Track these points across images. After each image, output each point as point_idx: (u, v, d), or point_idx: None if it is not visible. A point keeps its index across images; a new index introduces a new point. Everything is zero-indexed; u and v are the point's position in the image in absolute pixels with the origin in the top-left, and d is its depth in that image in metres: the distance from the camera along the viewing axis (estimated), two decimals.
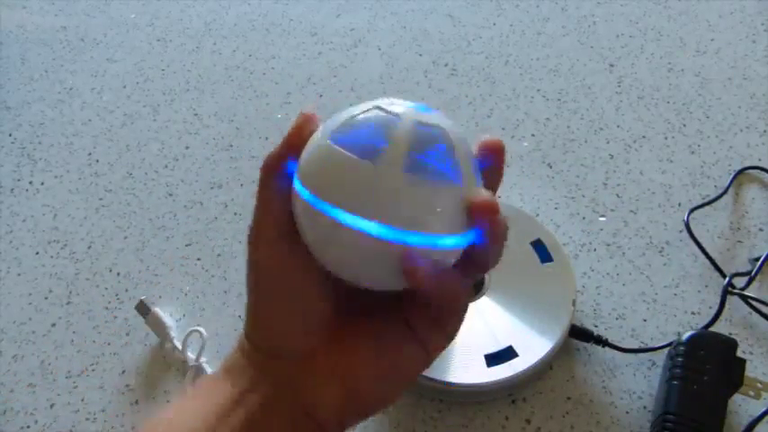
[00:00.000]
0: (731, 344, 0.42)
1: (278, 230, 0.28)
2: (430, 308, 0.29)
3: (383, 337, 0.29)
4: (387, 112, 0.25)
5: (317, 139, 0.26)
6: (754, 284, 0.48)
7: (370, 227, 0.24)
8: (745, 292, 0.47)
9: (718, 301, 0.46)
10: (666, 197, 0.55)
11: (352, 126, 0.25)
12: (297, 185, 0.26)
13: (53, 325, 0.50)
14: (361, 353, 0.29)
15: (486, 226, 0.25)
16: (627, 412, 0.43)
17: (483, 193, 0.25)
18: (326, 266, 0.27)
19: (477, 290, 0.46)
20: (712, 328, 0.45)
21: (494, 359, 0.42)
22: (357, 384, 0.28)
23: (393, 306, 0.29)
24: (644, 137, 0.60)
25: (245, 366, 0.29)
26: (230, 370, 0.30)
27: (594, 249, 0.52)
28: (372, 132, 0.25)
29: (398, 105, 0.26)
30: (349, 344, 0.29)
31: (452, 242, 0.25)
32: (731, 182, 0.55)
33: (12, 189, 0.59)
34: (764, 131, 0.60)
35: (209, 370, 0.45)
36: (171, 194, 0.58)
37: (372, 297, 0.29)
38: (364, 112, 0.26)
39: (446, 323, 0.29)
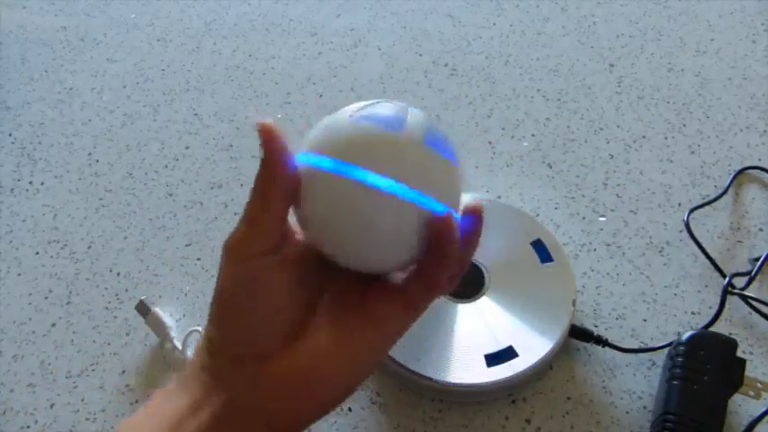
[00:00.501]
0: (731, 344, 0.42)
1: (268, 245, 0.28)
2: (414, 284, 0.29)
3: (342, 327, 0.29)
4: (393, 103, 0.28)
5: (329, 124, 0.28)
6: (754, 284, 0.48)
7: (395, 187, 0.26)
8: (745, 292, 0.47)
9: (718, 301, 0.46)
10: (666, 197, 0.55)
11: (371, 110, 0.28)
12: (310, 159, 0.28)
13: (53, 325, 0.50)
14: (321, 346, 0.29)
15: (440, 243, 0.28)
16: (627, 412, 0.43)
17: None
18: (328, 247, 0.29)
19: (477, 290, 0.46)
20: (712, 328, 0.45)
21: (494, 359, 0.42)
22: (318, 381, 0.28)
23: (352, 296, 0.30)
24: (644, 137, 0.60)
25: (198, 375, 0.29)
26: (184, 380, 0.30)
27: (594, 249, 0.52)
28: (392, 112, 0.28)
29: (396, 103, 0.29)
30: (309, 339, 0.29)
31: (458, 217, 0.28)
32: (731, 182, 0.55)
33: (12, 189, 0.59)
34: (764, 131, 0.60)
35: None
36: (171, 194, 0.58)
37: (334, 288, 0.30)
38: (370, 104, 0.28)
39: (421, 302, 0.30)
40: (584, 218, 0.54)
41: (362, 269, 0.29)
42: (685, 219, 0.52)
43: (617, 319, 0.48)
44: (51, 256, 0.54)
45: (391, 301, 0.30)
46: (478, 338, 0.44)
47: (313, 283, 0.30)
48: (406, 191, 0.26)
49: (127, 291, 0.51)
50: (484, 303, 0.45)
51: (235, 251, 0.28)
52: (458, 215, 0.28)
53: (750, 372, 0.42)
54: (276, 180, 0.28)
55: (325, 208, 0.27)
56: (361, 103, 0.29)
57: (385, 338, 0.30)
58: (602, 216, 0.54)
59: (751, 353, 0.45)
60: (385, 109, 0.28)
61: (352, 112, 0.28)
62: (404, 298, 0.30)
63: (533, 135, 0.60)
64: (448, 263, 0.28)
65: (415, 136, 0.27)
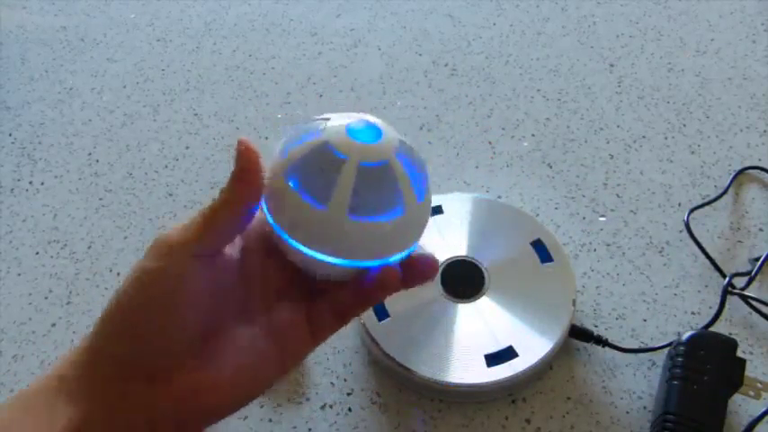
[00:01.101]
0: (731, 344, 0.42)
1: (213, 248, 0.28)
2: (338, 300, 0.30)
3: (244, 339, 0.29)
4: (334, 150, 0.28)
5: (277, 173, 0.29)
6: (754, 284, 0.48)
7: (328, 259, 0.29)
8: (745, 292, 0.47)
9: (718, 301, 0.46)
10: (666, 197, 0.55)
11: (306, 167, 0.28)
12: (266, 211, 0.30)
13: (53, 325, 0.50)
14: (222, 360, 0.28)
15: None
16: (627, 412, 0.43)
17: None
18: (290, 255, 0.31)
19: (477, 290, 0.46)
20: (712, 328, 0.45)
21: (494, 359, 0.43)
22: (212, 397, 0.27)
23: (254, 306, 0.30)
24: (644, 137, 0.60)
25: (46, 392, 0.27)
26: (25, 403, 0.27)
27: (594, 249, 0.52)
28: (323, 177, 0.28)
29: (345, 139, 0.28)
30: (210, 353, 0.28)
31: (398, 257, 0.30)
32: (731, 182, 0.55)
33: (12, 189, 0.59)
34: (764, 131, 0.60)
35: None
36: (171, 194, 0.58)
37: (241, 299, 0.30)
38: (315, 145, 0.28)
39: (348, 318, 0.31)
40: (584, 218, 0.54)
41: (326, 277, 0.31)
42: (685, 219, 0.52)
43: (617, 319, 0.48)
44: (51, 256, 0.54)
45: (327, 312, 0.31)
46: (478, 338, 0.44)
47: (230, 287, 0.30)
48: (336, 260, 0.29)
49: None
50: (484, 303, 0.45)
51: (174, 247, 0.27)
52: (399, 253, 0.30)
53: (750, 372, 0.42)
54: (249, 190, 0.28)
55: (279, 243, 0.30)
56: (302, 140, 0.29)
57: (285, 367, 0.30)
58: (602, 216, 0.54)
59: (751, 353, 0.45)
60: (319, 170, 0.28)
61: (290, 167, 0.29)
62: (339, 308, 0.31)
63: (533, 135, 0.60)
64: (385, 294, 0.30)
65: (340, 208, 0.28)
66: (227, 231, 0.29)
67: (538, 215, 0.54)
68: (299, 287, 0.31)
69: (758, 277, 0.49)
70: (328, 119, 0.29)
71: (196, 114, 0.65)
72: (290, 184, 0.28)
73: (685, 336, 0.42)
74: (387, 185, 0.28)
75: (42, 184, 0.60)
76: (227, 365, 0.28)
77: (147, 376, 0.27)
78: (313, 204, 0.28)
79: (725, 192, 0.54)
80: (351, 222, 0.28)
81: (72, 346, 0.48)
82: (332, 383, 0.45)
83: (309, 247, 0.29)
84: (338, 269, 0.30)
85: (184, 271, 0.27)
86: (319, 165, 0.28)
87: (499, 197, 0.56)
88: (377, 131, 0.29)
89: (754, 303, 0.46)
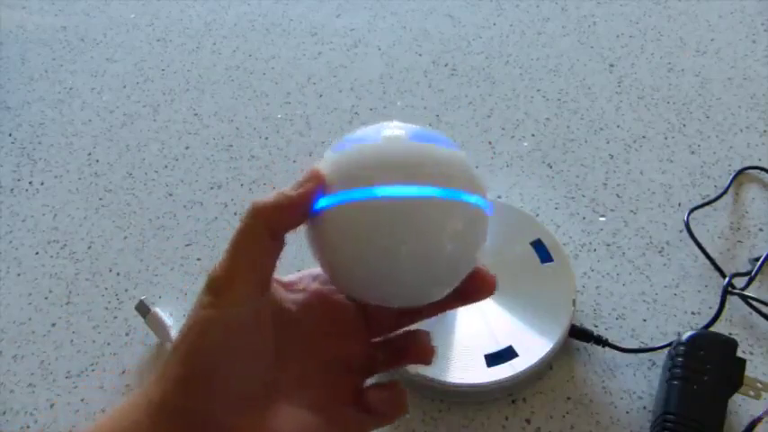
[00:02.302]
0: (731, 344, 0.42)
1: (260, 287, 0.26)
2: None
3: (323, 412, 0.27)
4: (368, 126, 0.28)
5: (329, 167, 0.27)
6: (754, 284, 0.48)
7: (407, 190, 0.25)
8: (745, 292, 0.47)
9: (718, 301, 0.46)
10: (666, 197, 0.55)
11: (347, 138, 0.28)
12: (322, 204, 0.26)
13: (53, 325, 0.50)
14: (280, 422, 0.26)
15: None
16: (627, 412, 0.43)
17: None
18: (358, 286, 0.27)
19: None
20: (712, 328, 0.45)
21: (494, 359, 0.42)
22: None
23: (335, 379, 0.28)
24: (644, 137, 0.60)
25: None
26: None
27: (594, 249, 0.52)
28: (371, 133, 0.27)
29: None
30: (279, 415, 0.26)
31: (475, 200, 0.26)
32: (731, 182, 0.55)
33: (12, 189, 0.59)
34: (764, 131, 0.60)
35: None
36: (171, 194, 0.58)
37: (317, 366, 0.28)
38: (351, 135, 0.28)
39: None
40: (584, 218, 0.54)
41: (398, 301, 0.28)
42: (685, 219, 0.52)
43: (617, 319, 0.48)
44: (51, 256, 0.54)
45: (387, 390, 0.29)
46: (478, 338, 0.43)
47: (292, 348, 0.28)
48: (413, 190, 0.25)
49: (127, 291, 0.51)
50: (484, 303, 0.45)
51: (215, 288, 0.25)
52: (474, 194, 0.26)
53: (750, 372, 0.42)
54: (292, 217, 0.26)
55: (348, 248, 0.26)
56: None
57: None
58: (602, 216, 0.54)
59: (751, 353, 0.45)
60: (364, 134, 0.27)
61: (333, 149, 0.28)
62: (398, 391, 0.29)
63: (533, 135, 0.60)
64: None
65: (399, 136, 0.27)
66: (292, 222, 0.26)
67: (538, 215, 0.54)
68: (359, 358, 0.30)
69: (758, 277, 0.49)
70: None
71: (196, 114, 0.65)
72: (341, 148, 0.27)
73: (685, 336, 0.42)
74: (437, 134, 0.27)
75: (42, 184, 0.60)
76: (284, 428, 0.26)
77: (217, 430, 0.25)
78: (373, 143, 0.27)
79: (725, 192, 0.54)
80: (413, 143, 0.26)
81: (73, 346, 0.48)
82: None
83: (390, 183, 0.25)
84: (420, 208, 0.25)
85: (242, 316, 0.25)
86: (363, 131, 0.28)
87: (499, 197, 0.56)
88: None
89: (754, 303, 0.46)
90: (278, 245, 0.26)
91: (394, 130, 0.27)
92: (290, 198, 0.25)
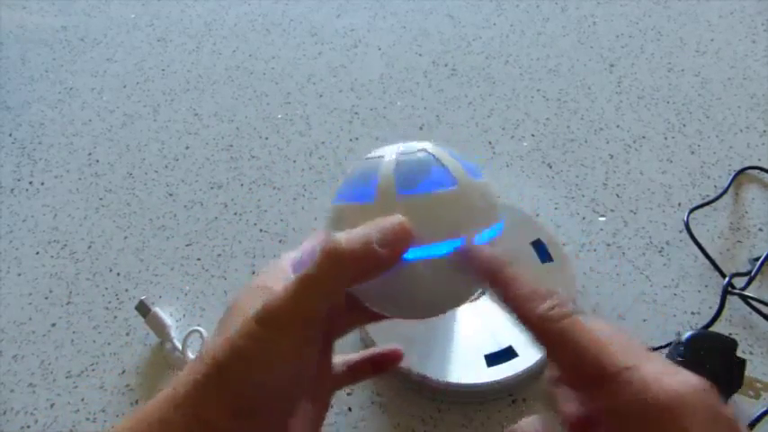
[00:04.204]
0: (731, 344, 0.42)
1: (313, 327, 0.24)
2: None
3: None
4: (373, 157, 0.27)
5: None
6: (754, 284, 0.48)
7: (411, 253, 0.25)
8: (745, 292, 0.47)
9: (718, 301, 0.46)
10: (666, 197, 0.55)
11: (349, 182, 0.28)
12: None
13: (53, 325, 0.50)
14: None
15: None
16: None
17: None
18: (390, 311, 0.28)
19: None
20: (712, 328, 0.45)
21: (494, 359, 0.42)
22: None
23: None
24: (644, 137, 0.60)
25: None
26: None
27: (594, 249, 0.52)
28: (364, 178, 0.27)
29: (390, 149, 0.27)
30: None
31: (484, 236, 0.26)
32: (731, 182, 0.55)
33: (12, 189, 0.59)
34: (764, 131, 0.60)
35: None
36: (171, 194, 0.58)
37: None
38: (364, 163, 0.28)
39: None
40: (584, 218, 0.54)
41: (421, 316, 0.29)
42: (685, 219, 0.52)
43: (617, 318, 0.48)
44: (51, 256, 0.54)
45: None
46: (478, 338, 0.43)
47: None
48: (418, 252, 0.25)
49: (127, 291, 0.51)
50: (484, 303, 0.45)
51: (269, 320, 0.24)
52: (482, 229, 0.26)
53: (750, 372, 0.42)
54: (374, 274, 0.25)
55: (380, 293, 0.27)
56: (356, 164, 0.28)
57: None
58: (602, 216, 0.54)
59: (751, 353, 0.45)
60: (358, 176, 0.27)
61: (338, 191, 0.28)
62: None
63: (533, 135, 0.60)
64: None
65: (387, 194, 0.25)
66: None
67: (538, 215, 0.54)
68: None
69: (758, 277, 0.49)
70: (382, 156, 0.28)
71: (196, 114, 0.65)
72: (339, 202, 0.27)
73: (685, 336, 0.42)
74: (431, 164, 0.26)
75: (42, 184, 0.60)
76: None
77: None
78: (363, 202, 0.26)
79: (725, 192, 0.54)
80: (403, 197, 0.25)
81: (73, 346, 0.48)
82: None
83: None
84: (432, 266, 0.26)
85: (300, 359, 0.24)
86: (362, 172, 0.27)
87: (499, 197, 0.56)
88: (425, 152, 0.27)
89: (753, 303, 0.46)
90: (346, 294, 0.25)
91: (386, 172, 0.26)
92: (378, 257, 0.24)
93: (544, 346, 0.25)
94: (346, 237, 0.24)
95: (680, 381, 0.23)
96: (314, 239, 0.29)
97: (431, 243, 0.25)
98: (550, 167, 0.58)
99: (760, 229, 0.52)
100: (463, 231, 0.26)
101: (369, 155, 0.28)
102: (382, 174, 0.26)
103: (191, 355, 0.47)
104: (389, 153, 0.27)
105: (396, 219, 0.24)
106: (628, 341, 0.24)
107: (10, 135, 0.64)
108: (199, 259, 0.53)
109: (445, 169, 0.26)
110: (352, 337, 0.47)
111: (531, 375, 0.43)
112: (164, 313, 0.49)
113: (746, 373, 0.41)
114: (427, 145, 0.27)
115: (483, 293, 0.46)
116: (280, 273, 0.27)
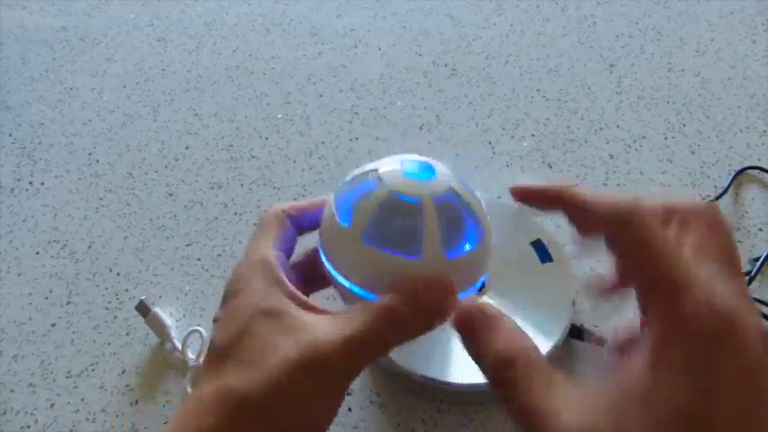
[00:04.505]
0: None
1: (357, 375, 0.26)
2: None
3: None
4: (403, 196, 0.27)
5: (350, 237, 0.28)
6: (755, 284, 0.48)
7: (346, 284, 0.28)
8: None
9: None
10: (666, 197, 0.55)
11: (384, 224, 0.27)
12: (352, 287, 0.29)
13: (53, 325, 0.50)
14: None
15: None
16: None
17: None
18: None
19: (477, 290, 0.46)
20: None
21: None
22: None
23: None
24: (644, 137, 0.60)
25: None
26: None
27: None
28: (406, 227, 0.27)
29: (407, 182, 0.27)
30: None
31: (481, 282, 0.30)
32: (731, 182, 0.55)
33: (12, 189, 0.59)
34: (764, 131, 0.60)
35: None
36: (171, 194, 0.58)
37: None
38: (382, 197, 0.27)
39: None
40: None
41: None
42: None
43: (617, 319, 0.48)
44: (51, 256, 0.54)
45: None
46: None
47: None
48: (353, 288, 0.28)
49: (127, 291, 0.51)
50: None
51: (335, 370, 0.24)
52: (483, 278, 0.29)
53: None
54: (426, 329, 0.26)
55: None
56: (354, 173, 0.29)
57: None
58: None
59: None
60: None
61: (360, 223, 0.28)
62: None
63: (533, 135, 0.60)
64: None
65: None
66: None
67: (538, 215, 0.54)
68: None
69: (758, 277, 0.49)
70: (376, 169, 0.28)
71: (196, 114, 0.65)
72: (375, 247, 0.27)
73: None
74: (465, 214, 0.28)
75: (42, 184, 0.60)
76: None
77: None
78: (408, 257, 0.26)
79: (725, 192, 0.54)
80: (448, 262, 0.27)
81: (73, 346, 0.48)
82: None
83: (340, 275, 0.29)
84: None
85: (339, 402, 0.25)
86: (397, 216, 0.27)
87: (499, 197, 0.56)
88: (429, 167, 0.28)
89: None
90: None
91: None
92: (429, 325, 0.26)
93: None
94: (400, 300, 0.25)
95: (735, 299, 0.23)
96: (317, 202, 0.31)
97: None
98: (550, 167, 0.58)
99: (760, 229, 0.52)
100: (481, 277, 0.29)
101: (379, 169, 0.28)
102: (428, 228, 0.26)
103: (191, 354, 0.47)
104: (416, 189, 0.27)
105: (447, 285, 0.26)
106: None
107: (10, 135, 0.64)
108: (199, 259, 0.53)
109: (476, 221, 0.28)
110: None
111: None
112: (164, 313, 0.49)
113: None
114: (445, 173, 0.28)
115: (483, 293, 0.46)
116: (277, 232, 0.29)
